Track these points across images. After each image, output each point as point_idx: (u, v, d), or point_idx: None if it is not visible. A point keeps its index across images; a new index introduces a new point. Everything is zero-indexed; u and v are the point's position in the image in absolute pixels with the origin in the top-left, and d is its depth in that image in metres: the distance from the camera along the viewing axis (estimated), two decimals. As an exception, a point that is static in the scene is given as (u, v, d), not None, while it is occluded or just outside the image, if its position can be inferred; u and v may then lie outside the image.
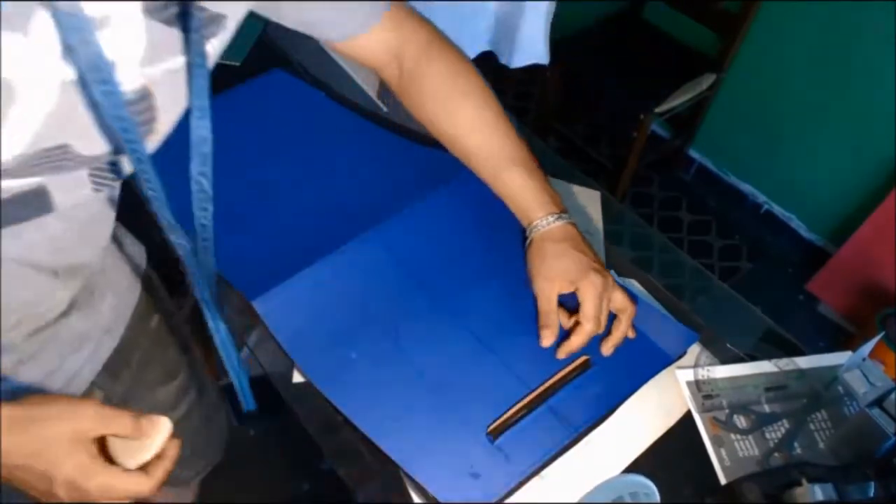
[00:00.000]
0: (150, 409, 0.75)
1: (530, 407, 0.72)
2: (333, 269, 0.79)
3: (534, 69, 1.77)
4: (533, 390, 0.74)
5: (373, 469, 0.69)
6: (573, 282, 0.71)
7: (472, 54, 1.65)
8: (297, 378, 0.75)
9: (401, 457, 0.68)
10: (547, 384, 0.74)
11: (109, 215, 0.60)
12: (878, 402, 0.71)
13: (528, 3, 1.52)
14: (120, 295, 0.70)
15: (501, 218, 0.89)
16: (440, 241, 0.85)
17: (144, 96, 0.44)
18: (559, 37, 1.83)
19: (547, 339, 0.72)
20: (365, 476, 0.69)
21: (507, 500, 0.67)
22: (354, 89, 1.08)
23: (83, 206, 0.51)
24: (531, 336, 0.78)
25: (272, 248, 0.84)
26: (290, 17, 0.62)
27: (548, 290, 0.72)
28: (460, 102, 0.73)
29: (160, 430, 0.51)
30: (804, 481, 0.65)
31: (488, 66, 2.37)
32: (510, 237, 0.87)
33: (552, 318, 0.72)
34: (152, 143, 0.49)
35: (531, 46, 1.60)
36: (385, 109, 1.05)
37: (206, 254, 0.56)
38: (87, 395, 0.67)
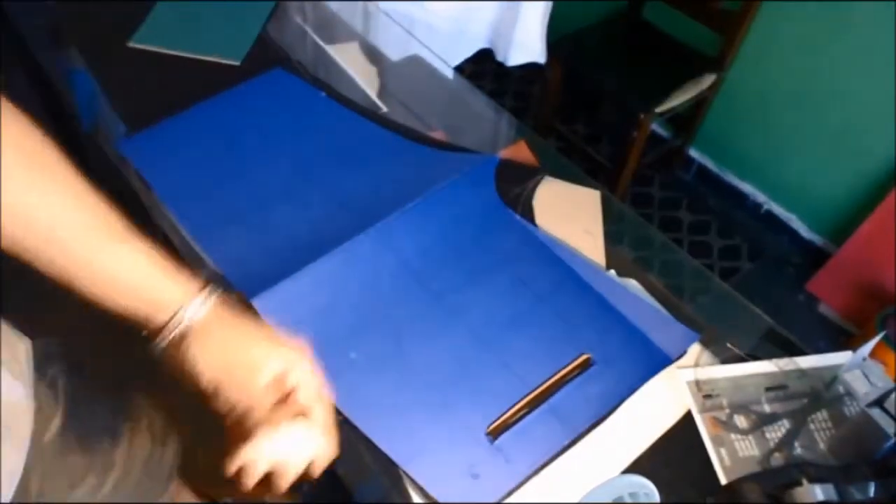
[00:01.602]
0: None
1: (530, 407, 0.72)
2: (333, 269, 0.79)
3: (534, 69, 1.77)
4: (533, 390, 0.73)
5: (373, 469, 0.69)
6: (283, 361, 0.54)
7: (471, 52, 1.66)
8: (297, 378, 0.75)
9: (401, 457, 0.68)
10: (547, 384, 0.74)
11: None
12: (879, 403, 0.71)
13: (524, 2, 1.52)
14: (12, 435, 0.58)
15: (501, 217, 0.89)
16: (440, 241, 0.85)
17: None
18: (559, 36, 1.83)
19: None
20: (365, 476, 0.69)
21: (507, 501, 0.67)
22: (354, 89, 1.08)
23: None
24: (531, 336, 0.78)
25: (271, 247, 0.84)
26: None
27: (256, 385, 0.52)
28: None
29: None
30: (805, 481, 0.65)
31: (488, 66, 2.38)
32: (510, 236, 0.87)
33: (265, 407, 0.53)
34: None
35: (528, 45, 1.60)
36: (385, 109, 1.05)
37: None
38: None
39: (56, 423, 0.69)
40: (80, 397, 0.75)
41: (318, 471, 0.55)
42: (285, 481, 0.53)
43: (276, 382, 0.54)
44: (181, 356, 0.51)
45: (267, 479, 0.53)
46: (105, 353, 0.78)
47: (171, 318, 0.50)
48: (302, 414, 0.54)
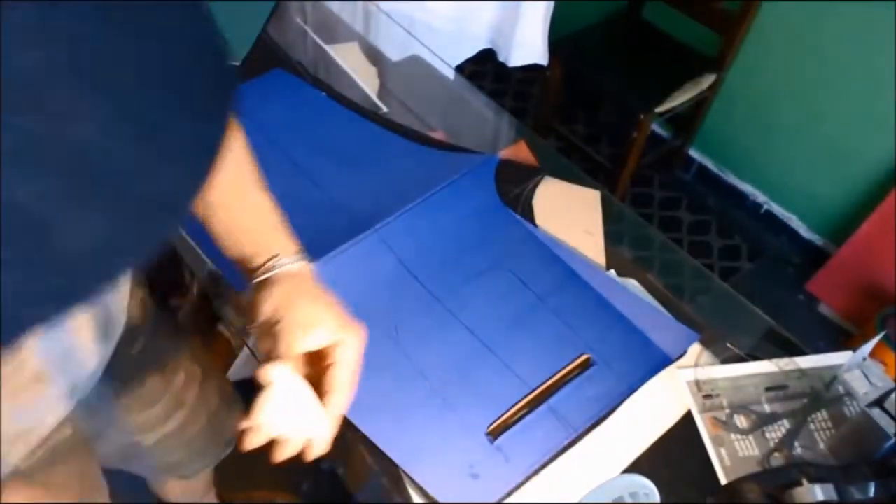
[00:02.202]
0: (128, 432, 0.72)
1: (530, 407, 0.72)
2: (333, 269, 0.79)
3: (534, 69, 1.77)
4: (533, 390, 0.73)
5: (373, 469, 0.69)
6: (334, 333, 0.56)
7: (472, 53, 1.66)
8: (297, 378, 0.75)
9: (401, 457, 0.68)
10: (547, 384, 0.74)
11: None
12: (879, 403, 0.71)
13: (525, 3, 1.52)
14: (100, 327, 0.62)
15: (501, 217, 0.89)
16: (440, 241, 0.85)
17: None
18: (559, 36, 1.82)
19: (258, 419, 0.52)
20: (365, 476, 0.69)
21: (507, 500, 0.67)
22: (354, 89, 1.08)
23: None
24: (531, 336, 0.78)
25: (272, 248, 0.84)
26: None
27: (300, 340, 0.54)
28: None
29: None
30: (805, 481, 0.65)
31: (488, 66, 2.38)
32: (510, 236, 0.87)
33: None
34: None
35: (529, 46, 1.60)
36: (385, 109, 1.05)
37: None
38: (57, 430, 0.60)
39: (141, 340, 0.73)
40: (163, 327, 0.79)
41: (309, 456, 0.55)
42: (281, 452, 0.54)
43: (317, 356, 0.55)
44: (257, 296, 0.57)
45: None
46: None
47: (267, 262, 0.57)
48: (324, 393, 0.55)
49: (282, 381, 0.52)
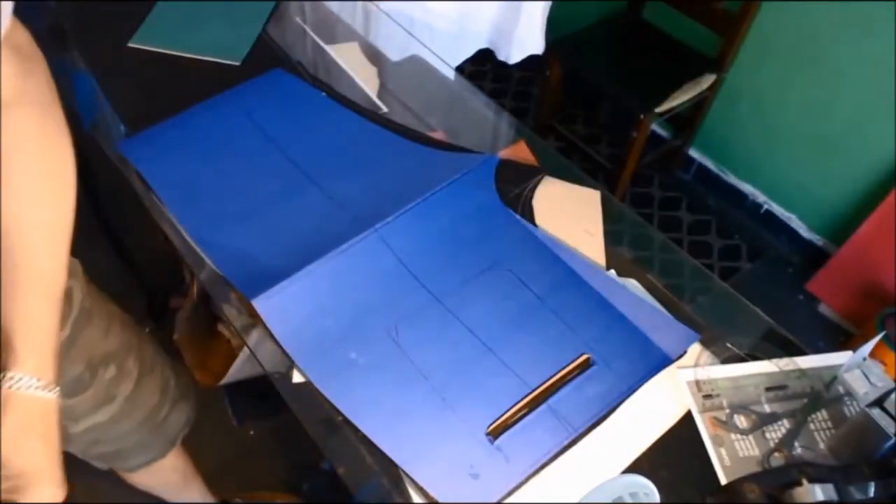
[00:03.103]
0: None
1: (530, 407, 0.72)
2: (333, 269, 0.79)
3: (534, 69, 1.77)
4: (533, 390, 0.73)
5: (373, 469, 0.69)
6: (13, 487, 0.49)
7: (471, 52, 1.66)
8: (297, 378, 0.75)
9: (401, 457, 0.68)
10: (547, 384, 0.74)
11: None
12: (879, 402, 0.71)
13: (524, 2, 1.52)
14: None
15: (501, 217, 0.89)
16: (440, 241, 0.85)
17: None
18: (559, 37, 1.83)
19: None
20: (365, 476, 0.69)
21: (507, 501, 0.67)
22: (354, 89, 1.08)
23: None
24: (531, 336, 0.78)
25: (272, 248, 0.84)
26: None
27: None
28: (22, 168, 0.55)
29: None
30: (804, 481, 0.65)
31: (488, 66, 2.38)
32: (510, 236, 0.87)
33: None
34: None
35: (528, 41, 1.60)
36: (385, 109, 1.05)
37: None
38: None
39: (66, 329, 0.71)
40: (99, 321, 0.78)
41: None
42: None
43: None
44: None
45: None
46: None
47: (5, 373, 0.51)
48: None
49: None
